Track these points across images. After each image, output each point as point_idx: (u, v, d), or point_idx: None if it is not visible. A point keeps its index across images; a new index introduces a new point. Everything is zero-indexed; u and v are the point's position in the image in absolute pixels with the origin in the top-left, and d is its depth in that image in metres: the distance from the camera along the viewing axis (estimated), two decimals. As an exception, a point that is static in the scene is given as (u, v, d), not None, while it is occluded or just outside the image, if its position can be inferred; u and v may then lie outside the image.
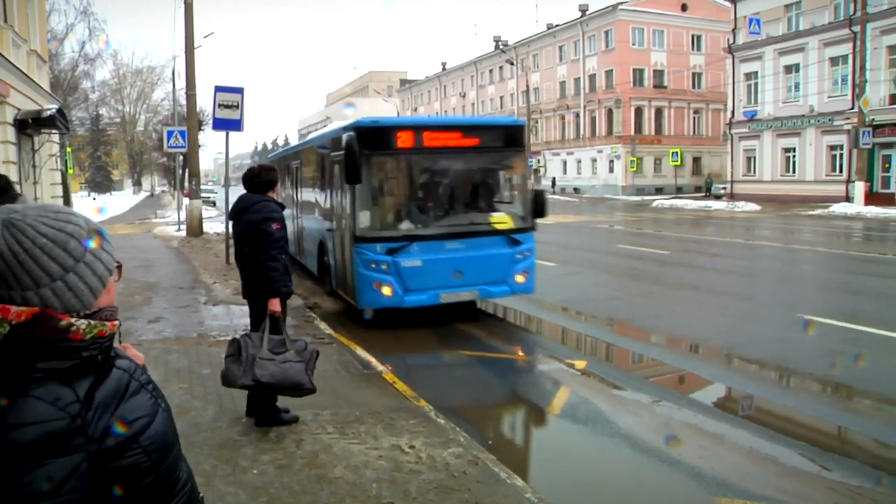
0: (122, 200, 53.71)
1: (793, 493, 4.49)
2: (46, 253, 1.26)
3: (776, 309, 10.05)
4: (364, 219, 8.63)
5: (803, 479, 4.76)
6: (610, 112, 53.28)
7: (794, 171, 38.10)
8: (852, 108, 32.06)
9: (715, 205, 37.27)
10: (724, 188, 42.72)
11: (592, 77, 55.11)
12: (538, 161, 54.68)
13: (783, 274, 14.16)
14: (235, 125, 13.83)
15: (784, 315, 9.47)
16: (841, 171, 35.10)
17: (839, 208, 29.64)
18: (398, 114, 73.52)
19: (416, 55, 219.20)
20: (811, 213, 29.92)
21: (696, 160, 54.11)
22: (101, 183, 70.17)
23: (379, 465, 4.56)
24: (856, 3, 31.89)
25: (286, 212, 8.54)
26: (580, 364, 7.44)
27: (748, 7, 39.51)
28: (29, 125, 16.85)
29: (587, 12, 55.63)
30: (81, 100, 47.96)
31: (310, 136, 14.30)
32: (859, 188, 30.51)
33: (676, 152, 47.11)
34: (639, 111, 52.75)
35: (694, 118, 54.68)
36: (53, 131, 19.41)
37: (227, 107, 13.60)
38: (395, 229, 8.85)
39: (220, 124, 13.93)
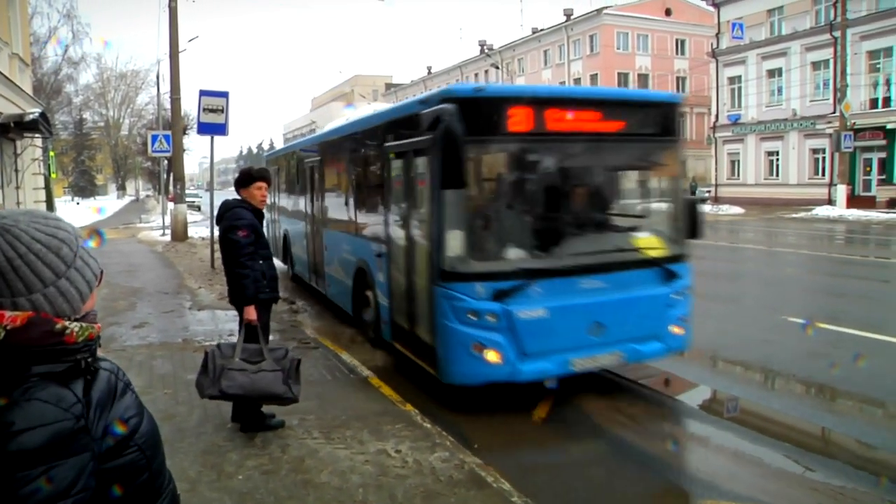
0: (106, 205, 53.27)
1: (777, 494, 4.53)
2: (41, 259, 1.27)
3: (760, 311, 10.13)
4: (456, 243, 5.64)
5: (787, 479, 4.80)
6: (595, 116, 53.41)
7: (777, 175, 38.43)
8: (834, 112, 32.41)
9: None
10: (709, 191, 43.04)
11: (577, 81, 55.33)
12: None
13: (767, 276, 14.27)
14: (220, 129, 13.80)
15: (768, 317, 9.54)
16: (823, 174, 35.45)
17: (822, 211, 29.93)
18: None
19: (402, 59, 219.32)
20: (794, 215, 30.19)
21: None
22: (84, 187, 69.59)
23: (365, 469, 4.54)
24: (836, 9, 32.25)
25: (299, 226, 8.00)
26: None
27: (731, 12, 39.85)
28: (11, 129, 16.69)
29: (572, 16, 55.88)
30: (65, 104, 47.56)
31: (333, 125, 10.83)
32: (841, 191, 30.83)
33: (661, 156, 47.28)
34: (624, 115, 52.91)
35: (678, 122, 54.97)
36: (36, 135, 19.24)
37: (211, 111, 13.58)
38: (505, 261, 5.88)
39: (204, 128, 13.88)
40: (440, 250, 5.69)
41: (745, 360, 7.75)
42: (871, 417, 6.22)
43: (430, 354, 6.06)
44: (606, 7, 52.54)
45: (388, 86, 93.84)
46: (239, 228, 5.08)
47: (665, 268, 6.32)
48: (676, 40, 54.20)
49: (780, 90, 37.65)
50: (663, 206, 6.87)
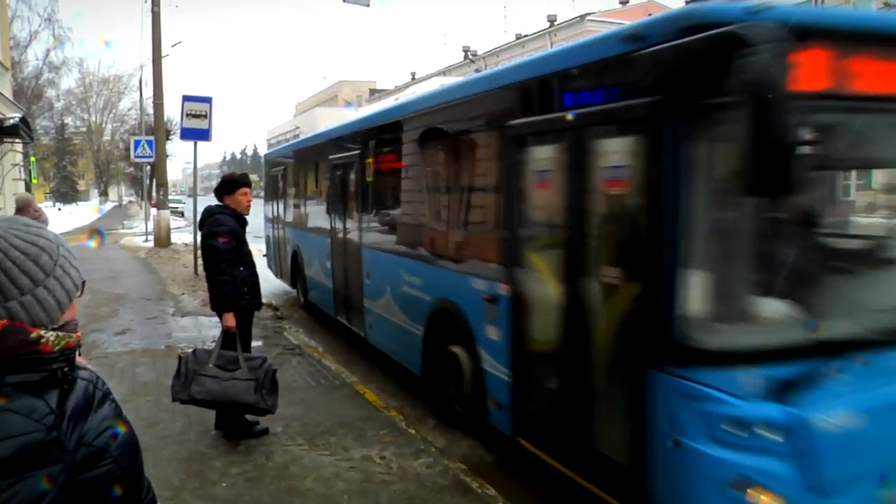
0: (88, 211, 52.80)
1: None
2: (18, 266, 1.25)
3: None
4: (711, 295, 3.27)
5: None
6: (579, 121, 53.70)
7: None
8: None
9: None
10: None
11: (562, 87, 55.57)
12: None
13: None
14: (204, 135, 13.73)
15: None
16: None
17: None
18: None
19: (386, 64, 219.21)
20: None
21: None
22: (66, 193, 68.87)
23: (349, 476, 4.54)
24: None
25: (318, 243, 7.07)
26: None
27: (713, 19, 40.28)
28: (-9, 134, 16.56)
29: (555, 22, 56.16)
30: (46, 108, 47.01)
31: (393, 101, 7.98)
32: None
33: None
34: (607, 121, 53.25)
35: (661, 128, 55.37)
36: (17, 140, 19.06)
37: (195, 116, 13.51)
38: (788, 326, 3.30)
39: (188, 134, 13.81)
40: (672, 306, 3.24)
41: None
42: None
43: (623, 480, 3.62)
44: (590, 13, 52.85)
45: (373, 91, 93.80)
46: (219, 235, 5.05)
47: None
48: (659, 47, 54.62)
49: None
50: None
